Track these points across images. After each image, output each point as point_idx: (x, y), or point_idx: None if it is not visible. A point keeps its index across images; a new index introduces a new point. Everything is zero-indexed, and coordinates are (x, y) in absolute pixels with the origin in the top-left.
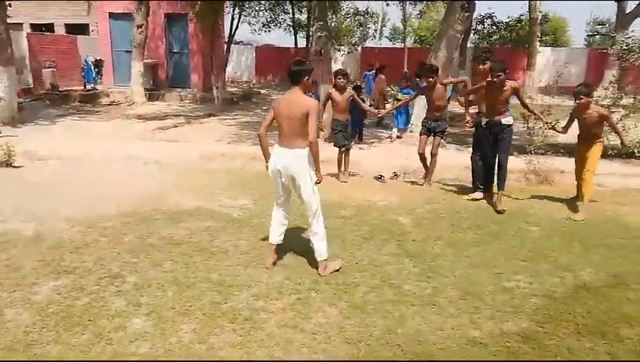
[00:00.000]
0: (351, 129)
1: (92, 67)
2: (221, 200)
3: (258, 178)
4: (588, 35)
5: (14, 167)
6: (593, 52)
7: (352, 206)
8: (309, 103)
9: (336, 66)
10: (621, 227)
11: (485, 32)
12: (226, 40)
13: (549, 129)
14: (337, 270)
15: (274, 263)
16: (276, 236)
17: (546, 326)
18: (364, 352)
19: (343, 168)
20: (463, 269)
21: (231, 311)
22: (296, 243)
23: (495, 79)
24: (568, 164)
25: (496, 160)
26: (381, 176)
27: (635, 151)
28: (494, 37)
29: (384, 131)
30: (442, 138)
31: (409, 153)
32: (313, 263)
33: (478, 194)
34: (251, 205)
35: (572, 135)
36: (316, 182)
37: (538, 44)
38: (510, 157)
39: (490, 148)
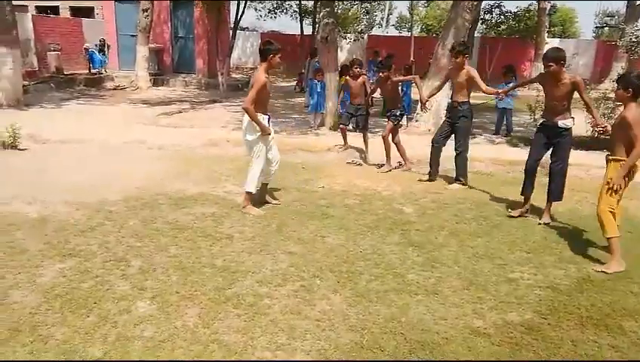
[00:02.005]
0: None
1: (96, 52)
2: (226, 186)
3: None
4: (596, 27)
5: (19, 149)
6: (602, 44)
7: (356, 195)
8: (255, 77)
9: (342, 54)
10: (627, 221)
11: (493, 21)
12: (232, 26)
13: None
14: (250, 214)
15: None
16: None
17: (550, 318)
18: (368, 340)
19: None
20: (467, 259)
21: (235, 297)
22: (301, 231)
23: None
24: (574, 156)
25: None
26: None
27: None
28: (502, 27)
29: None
30: (395, 124)
31: (413, 142)
32: (317, 251)
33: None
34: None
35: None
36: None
37: (546, 35)
38: (515, 149)
39: (539, 152)
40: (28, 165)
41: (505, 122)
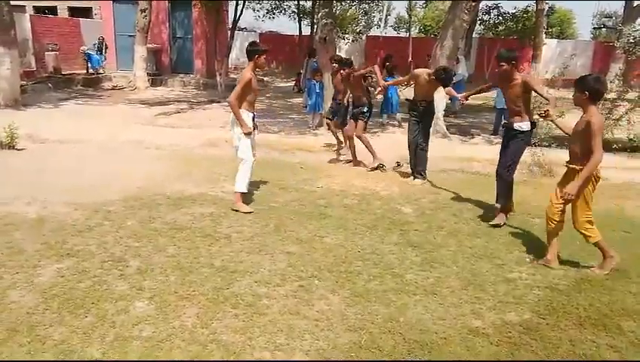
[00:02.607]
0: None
1: (95, 52)
2: (224, 187)
3: (261, 165)
4: (594, 28)
5: (17, 149)
6: (599, 45)
7: (354, 195)
8: (241, 75)
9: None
10: (625, 221)
11: (491, 22)
12: (230, 26)
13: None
14: (239, 211)
15: None
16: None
17: (548, 318)
18: (366, 340)
19: (341, 150)
20: (466, 259)
21: (233, 297)
22: (299, 231)
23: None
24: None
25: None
26: (382, 165)
27: None
28: (500, 28)
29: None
30: (364, 120)
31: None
32: (316, 251)
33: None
34: (254, 191)
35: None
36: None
37: (544, 36)
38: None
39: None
40: (26, 165)
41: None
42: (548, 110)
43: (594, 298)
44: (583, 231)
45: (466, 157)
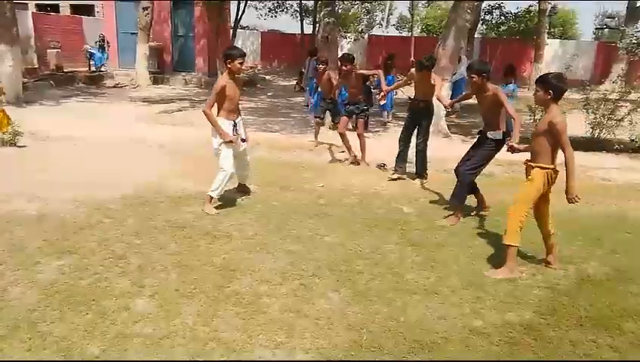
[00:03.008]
0: (335, 108)
1: (97, 50)
2: (226, 186)
3: (263, 164)
4: (597, 28)
5: (19, 146)
6: (602, 45)
7: (355, 194)
8: (216, 82)
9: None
10: (626, 221)
11: (493, 22)
12: (232, 25)
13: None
14: (207, 213)
15: None
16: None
17: (549, 318)
18: (367, 339)
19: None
20: (466, 259)
21: (234, 295)
22: (300, 229)
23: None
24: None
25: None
26: (384, 164)
27: None
28: (502, 28)
29: (382, 119)
30: (364, 118)
31: (412, 142)
32: (316, 250)
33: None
34: (256, 190)
35: (576, 125)
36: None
37: (546, 36)
38: None
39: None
40: (27, 162)
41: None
42: (512, 146)
43: (595, 298)
44: (511, 223)
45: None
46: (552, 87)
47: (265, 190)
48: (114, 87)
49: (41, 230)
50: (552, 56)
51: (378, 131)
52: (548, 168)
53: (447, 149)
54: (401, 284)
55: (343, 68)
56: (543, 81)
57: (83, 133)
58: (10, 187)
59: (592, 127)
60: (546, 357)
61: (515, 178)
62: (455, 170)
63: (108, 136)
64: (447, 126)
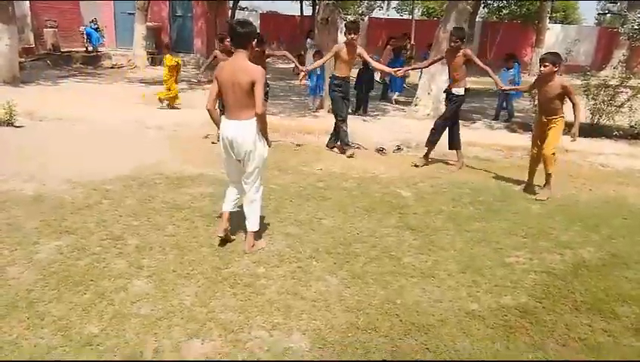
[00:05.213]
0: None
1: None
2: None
3: None
4: (598, 14)
5: (15, 126)
6: (603, 30)
7: (354, 178)
8: (255, 71)
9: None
10: (624, 207)
11: (495, 6)
12: (231, 5)
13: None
14: (262, 248)
15: (226, 231)
16: (230, 206)
17: (545, 302)
18: (363, 321)
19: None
20: (464, 243)
21: (232, 276)
22: (298, 212)
23: (451, 45)
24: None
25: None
26: (382, 148)
27: None
28: (504, 11)
29: (388, 104)
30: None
31: (412, 127)
32: (314, 233)
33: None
34: None
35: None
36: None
37: (548, 20)
38: (514, 135)
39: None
40: (24, 143)
41: (506, 108)
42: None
43: (590, 283)
44: (550, 159)
45: (466, 141)
46: (558, 62)
47: (263, 173)
48: (111, 67)
49: (38, 210)
50: (553, 41)
51: (377, 115)
52: (563, 117)
53: (445, 134)
54: (398, 267)
55: (257, 49)
56: (553, 58)
57: (80, 113)
58: (8, 167)
59: (591, 113)
60: (540, 340)
61: (514, 163)
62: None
63: (106, 117)
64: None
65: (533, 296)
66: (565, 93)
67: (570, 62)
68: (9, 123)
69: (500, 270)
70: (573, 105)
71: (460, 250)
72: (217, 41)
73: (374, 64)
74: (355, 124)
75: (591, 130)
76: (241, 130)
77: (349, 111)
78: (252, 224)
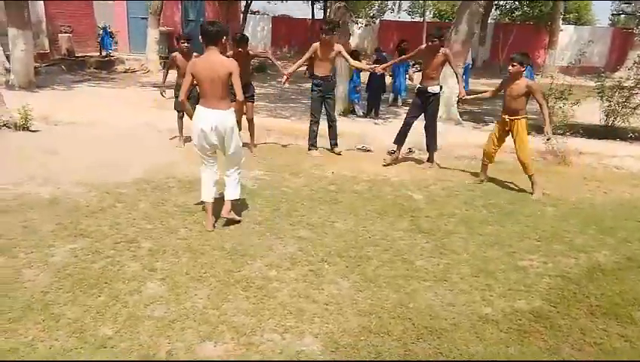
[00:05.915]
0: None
1: (108, 35)
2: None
3: (272, 150)
4: (612, 14)
5: (31, 131)
6: (617, 31)
7: (365, 181)
8: (231, 63)
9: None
10: (638, 210)
11: (507, 7)
12: (243, 9)
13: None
14: (237, 222)
15: (214, 225)
16: (211, 193)
17: (559, 306)
18: (375, 324)
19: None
20: (476, 247)
21: (244, 279)
22: (310, 215)
23: (429, 43)
24: (587, 144)
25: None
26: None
27: None
28: (516, 13)
29: (399, 108)
30: (252, 102)
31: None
32: (326, 236)
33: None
34: (266, 176)
35: (590, 112)
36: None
37: (561, 21)
38: (528, 137)
39: (414, 112)
40: (40, 147)
41: None
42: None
43: (605, 287)
44: (528, 162)
45: (478, 144)
46: (526, 61)
47: (275, 176)
48: (124, 72)
49: (53, 213)
50: (567, 42)
51: (389, 118)
52: (527, 117)
53: (458, 136)
54: (410, 271)
55: (240, 50)
56: (521, 58)
57: (94, 117)
58: (23, 171)
59: (606, 115)
60: (555, 344)
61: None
62: (425, 128)
63: (119, 121)
64: (459, 113)
65: (548, 300)
66: (530, 93)
67: (584, 64)
68: (25, 127)
69: (514, 274)
70: (540, 105)
71: (473, 254)
72: (175, 41)
73: (352, 62)
74: (366, 127)
75: (605, 132)
76: (223, 117)
77: (361, 113)
78: (231, 193)
